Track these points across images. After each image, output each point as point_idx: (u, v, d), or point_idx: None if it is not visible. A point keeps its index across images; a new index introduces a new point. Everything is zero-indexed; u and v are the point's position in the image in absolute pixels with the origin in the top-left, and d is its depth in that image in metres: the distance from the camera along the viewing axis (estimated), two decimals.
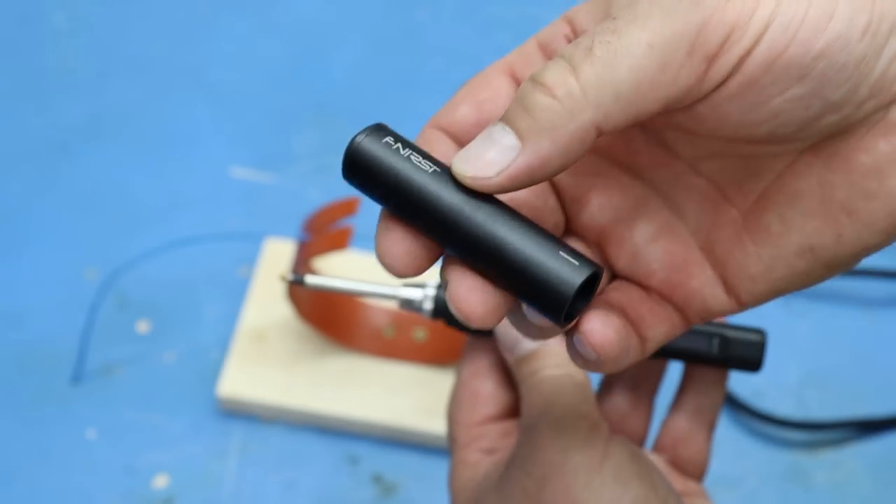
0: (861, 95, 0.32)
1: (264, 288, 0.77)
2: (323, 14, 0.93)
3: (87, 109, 0.87)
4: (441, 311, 0.51)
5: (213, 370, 0.75)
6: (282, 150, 0.85)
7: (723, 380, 0.51)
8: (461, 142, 0.38)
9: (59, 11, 0.92)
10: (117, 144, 0.86)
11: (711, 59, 0.32)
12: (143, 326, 0.77)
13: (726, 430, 0.74)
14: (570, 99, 0.32)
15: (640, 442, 0.52)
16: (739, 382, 0.75)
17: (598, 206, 0.38)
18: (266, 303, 0.76)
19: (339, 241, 0.66)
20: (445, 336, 0.74)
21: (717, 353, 0.49)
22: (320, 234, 0.68)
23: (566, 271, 0.34)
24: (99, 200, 0.83)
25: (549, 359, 0.47)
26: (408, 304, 0.52)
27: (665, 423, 0.52)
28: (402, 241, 0.36)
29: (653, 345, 0.38)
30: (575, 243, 0.39)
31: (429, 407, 0.73)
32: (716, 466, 0.72)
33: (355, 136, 0.38)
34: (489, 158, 0.34)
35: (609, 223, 0.38)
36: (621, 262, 0.39)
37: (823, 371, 0.76)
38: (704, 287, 0.38)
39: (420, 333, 0.75)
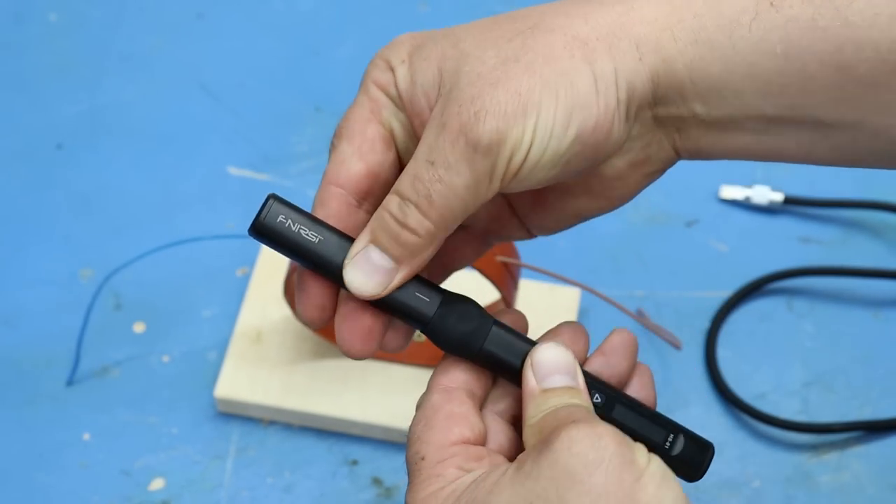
0: (599, 158, 0.49)
1: (262, 289, 0.76)
2: (321, 11, 0.93)
3: (83, 108, 0.87)
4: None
5: (211, 371, 0.75)
6: (280, 150, 0.85)
7: None
8: (356, 192, 0.50)
9: (55, 9, 0.92)
10: (113, 144, 0.85)
11: (500, 178, 0.47)
12: (139, 327, 0.77)
13: (730, 433, 0.73)
14: (429, 234, 0.48)
15: None
16: (742, 384, 0.75)
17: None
18: (264, 304, 0.76)
19: None
20: None
21: (670, 447, 0.52)
22: None
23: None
24: (95, 200, 0.82)
25: (582, 396, 0.50)
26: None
27: None
28: (315, 296, 0.50)
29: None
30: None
31: None
32: (720, 469, 0.72)
33: (257, 217, 0.49)
34: (377, 280, 0.48)
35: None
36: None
37: (827, 373, 0.76)
38: (514, 229, 0.54)
39: (420, 334, 0.74)
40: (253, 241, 0.79)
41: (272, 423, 0.74)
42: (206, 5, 0.92)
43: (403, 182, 0.48)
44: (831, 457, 0.73)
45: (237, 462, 0.73)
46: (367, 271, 0.48)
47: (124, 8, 0.92)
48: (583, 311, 0.77)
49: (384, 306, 0.49)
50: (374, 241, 0.48)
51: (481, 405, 0.53)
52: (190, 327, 0.77)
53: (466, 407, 0.51)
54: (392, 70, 0.52)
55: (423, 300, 0.50)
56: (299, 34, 0.91)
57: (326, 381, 0.73)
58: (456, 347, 0.50)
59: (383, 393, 0.73)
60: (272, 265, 0.77)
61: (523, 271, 0.69)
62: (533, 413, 0.49)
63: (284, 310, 0.73)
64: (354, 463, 0.73)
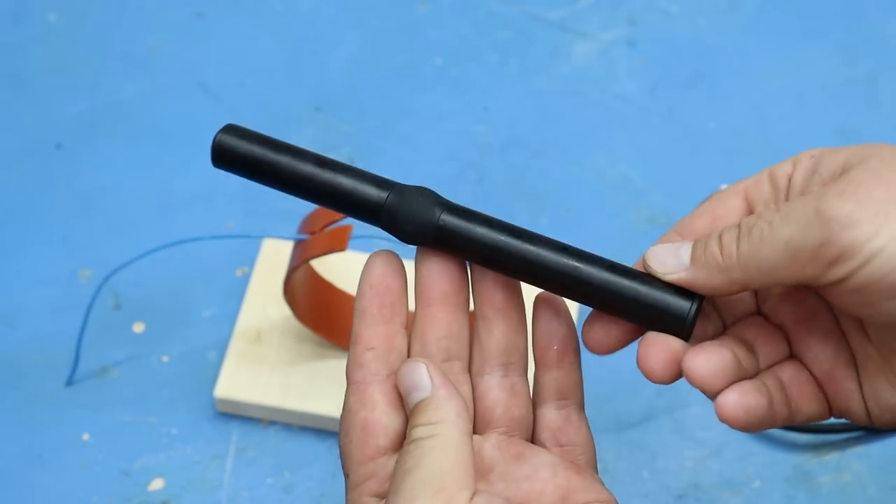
0: None
1: (262, 288, 0.76)
2: (322, 11, 0.92)
3: (83, 108, 0.87)
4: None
5: (210, 371, 0.75)
6: None
7: (574, 359, 0.53)
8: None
9: (54, 8, 0.91)
10: (113, 143, 0.85)
11: (828, 265, 0.45)
12: (139, 327, 0.77)
13: (730, 433, 0.73)
14: (729, 259, 0.48)
15: (582, 452, 0.53)
16: None
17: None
18: (264, 304, 0.76)
19: (338, 242, 0.65)
20: None
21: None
22: (319, 234, 0.67)
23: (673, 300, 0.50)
24: (94, 200, 0.82)
25: (443, 411, 0.49)
26: None
27: (537, 419, 0.53)
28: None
29: (801, 418, 0.51)
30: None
31: None
32: (720, 469, 0.72)
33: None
34: (668, 263, 0.49)
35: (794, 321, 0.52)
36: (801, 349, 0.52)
37: None
38: (851, 392, 0.50)
39: None
40: (252, 241, 0.79)
41: (272, 423, 0.74)
42: (205, 5, 0.92)
43: (748, 216, 0.49)
44: (832, 457, 0.73)
45: (237, 462, 0.72)
46: (666, 253, 0.50)
47: (124, 7, 0.92)
48: (583, 311, 0.77)
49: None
50: (694, 243, 0.50)
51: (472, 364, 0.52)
52: (189, 327, 0.77)
53: (381, 407, 0.50)
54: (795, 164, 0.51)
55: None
56: (299, 34, 0.91)
57: (326, 381, 0.73)
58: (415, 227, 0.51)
59: None
60: (272, 265, 0.77)
61: None
62: None
63: (284, 310, 0.73)
64: None
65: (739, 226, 0.48)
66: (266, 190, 0.83)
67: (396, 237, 0.51)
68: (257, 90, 0.88)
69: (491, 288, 0.52)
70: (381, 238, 0.66)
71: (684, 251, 0.49)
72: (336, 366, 0.74)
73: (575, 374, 0.54)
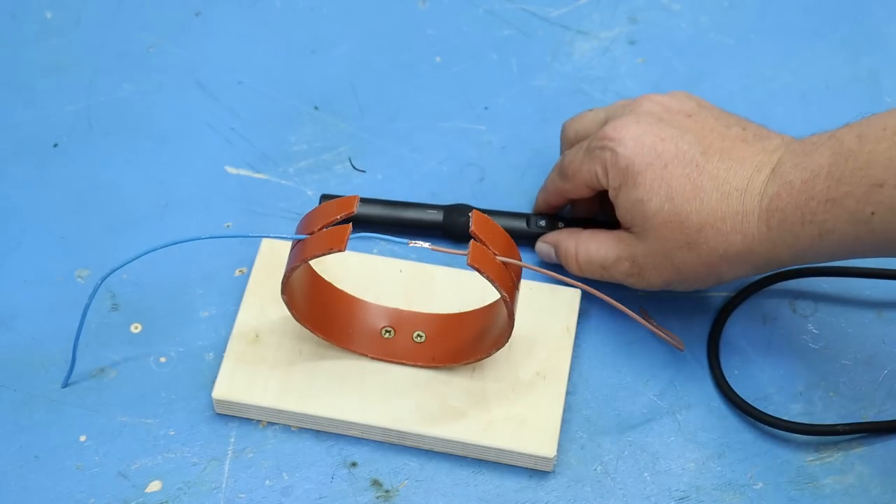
0: None
1: (260, 289, 0.76)
2: (320, 9, 0.92)
3: (80, 106, 0.86)
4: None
5: (208, 372, 0.75)
6: (278, 149, 0.85)
7: None
8: None
9: (50, 6, 0.91)
10: (110, 142, 0.85)
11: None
12: (136, 328, 0.77)
13: (733, 435, 0.73)
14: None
15: None
16: (745, 386, 0.74)
17: None
18: (262, 304, 0.75)
19: (336, 242, 0.65)
20: (445, 337, 0.74)
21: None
22: (317, 234, 0.67)
23: None
24: (91, 199, 0.82)
25: None
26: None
27: None
28: None
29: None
30: None
31: (428, 410, 0.72)
32: (722, 471, 0.72)
33: None
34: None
35: None
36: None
37: (831, 374, 0.76)
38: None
39: (420, 334, 0.74)
40: (251, 241, 0.79)
41: (270, 424, 0.73)
42: (203, 3, 0.92)
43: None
44: (835, 459, 0.73)
45: (235, 464, 0.72)
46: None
47: (121, 5, 0.92)
48: (583, 312, 0.77)
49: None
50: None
51: None
52: (187, 328, 0.77)
53: None
54: None
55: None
56: (298, 32, 0.91)
57: (325, 382, 0.73)
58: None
59: (383, 394, 0.73)
60: (270, 265, 0.76)
61: (523, 271, 0.68)
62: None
63: (283, 310, 0.72)
64: (353, 465, 0.72)
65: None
66: (265, 190, 0.83)
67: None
68: (256, 89, 0.88)
69: None
70: (381, 238, 0.66)
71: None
72: (335, 366, 0.73)
73: None
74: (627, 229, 0.71)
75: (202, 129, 0.86)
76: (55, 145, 0.85)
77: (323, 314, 0.74)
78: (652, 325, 0.72)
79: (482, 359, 0.72)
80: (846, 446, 0.73)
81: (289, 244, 0.71)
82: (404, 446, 0.73)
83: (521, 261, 0.67)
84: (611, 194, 0.71)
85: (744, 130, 0.70)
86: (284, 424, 0.73)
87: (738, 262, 0.68)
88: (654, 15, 0.92)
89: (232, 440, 0.73)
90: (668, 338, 0.74)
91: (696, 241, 0.68)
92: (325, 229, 0.66)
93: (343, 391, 0.73)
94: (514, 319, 0.68)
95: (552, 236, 0.77)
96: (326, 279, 0.74)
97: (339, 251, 0.64)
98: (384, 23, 0.91)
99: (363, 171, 0.84)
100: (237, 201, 0.82)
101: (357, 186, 0.83)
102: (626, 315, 0.70)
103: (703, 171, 0.68)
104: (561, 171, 0.75)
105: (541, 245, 0.78)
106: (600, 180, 0.71)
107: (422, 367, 0.73)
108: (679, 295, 0.76)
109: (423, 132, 0.86)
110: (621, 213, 0.71)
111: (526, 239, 0.79)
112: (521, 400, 0.72)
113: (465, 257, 0.64)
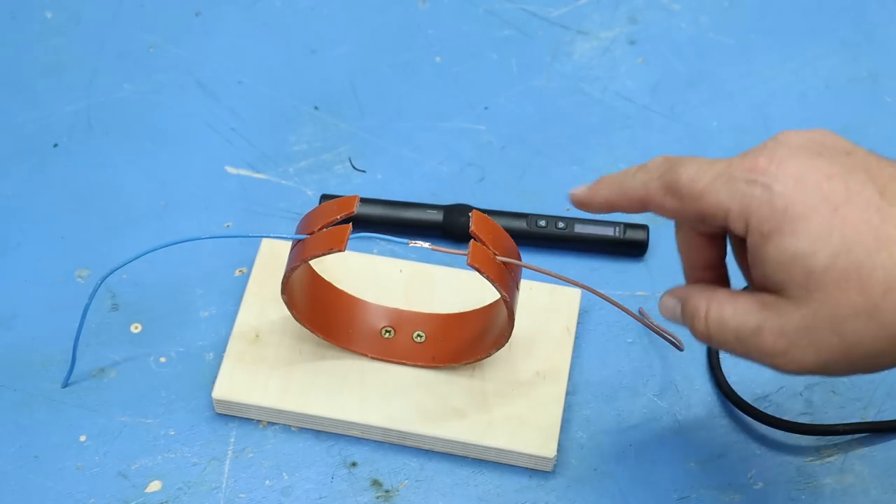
0: None
1: (260, 289, 0.76)
2: (320, 9, 0.92)
3: (80, 106, 0.86)
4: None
5: (208, 372, 0.75)
6: (278, 149, 0.85)
7: None
8: None
9: (50, 6, 0.91)
10: (110, 142, 0.85)
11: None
12: (136, 328, 0.77)
13: (733, 435, 0.73)
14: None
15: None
16: (745, 386, 0.74)
17: None
18: (262, 304, 0.75)
19: (336, 242, 0.65)
20: (445, 337, 0.74)
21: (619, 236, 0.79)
22: (317, 234, 0.66)
23: None
24: (91, 199, 0.82)
25: None
26: None
27: None
28: None
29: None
30: None
31: (428, 410, 0.72)
32: (722, 471, 0.72)
33: None
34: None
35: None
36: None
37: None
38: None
39: (420, 334, 0.74)
40: (251, 241, 0.79)
41: (270, 424, 0.73)
42: (203, 3, 0.92)
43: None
44: (835, 459, 0.73)
45: (235, 464, 0.72)
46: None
47: (121, 5, 0.92)
48: (583, 312, 0.77)
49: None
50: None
51: None
52: (187, 328, 0.77)
53: None
54: None
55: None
56: (298, 32, 0.91)
57: (325, 381, 0.73)
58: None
59: (383, 394, 0.73)
60: (270, 265, 0.76)
61: (523, 271, 0.68)
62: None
63: (283, 310, 0.72)
64: (353, 465, 0.72)
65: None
66: (264, 190, 0.83)
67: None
68: (255, 89, 0.88)
69: None
70: (381, 238, 0.66)
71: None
72: (335, 366, 0.73)
73: None
74: (776, 291, 0.56)
75: (202, 129, 0.86)
76: (55, 145, 0.85)
77: (323, 314, 0.73)
78: (652, 325, 0.72)
79: (482, 359, 0.72)
80: (846, 446, 0.73)
81: (289, 244, 0.71)
82: (404, 446, 0.73)
83: (521, 261, 0.67)
84: (752, 242, 0.56)
85: None
86: (284, 424, 0.73)
87: None
88: (654, 15, 0.92)
89: (232, 440, 0.73)
90: (668, 338, 0.74)
91: (879, 308, 0.53)
92: (324, 229, 0.66)
93: (343, 391, 0.73)
94: (514, 319, 0.68)
95: (681, 291, 0.61)
96: (326, 279, 0.74)
97: (339, 251, 0.64)
98: (384, 23, 0.91)
99: (363, 171, 0.84)
100: (237, 201, 0.82)
101: (357, 186, 0.83)
102: (626, 315, 0.70)
103: (888, 216, 0.53)
104: (669, 181, 0.58)
105: (666, 300, 0.62)
106: (731, 222, 0.56)
107: (422, 367, 0.73)
108: None
109: (423, 132, 0.86)
110: (770, 268, 0.55)
111: (526, 239, 0.79)
112: (521, 400, 0.72)
113: (465, 257, 0.64)
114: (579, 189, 0.62)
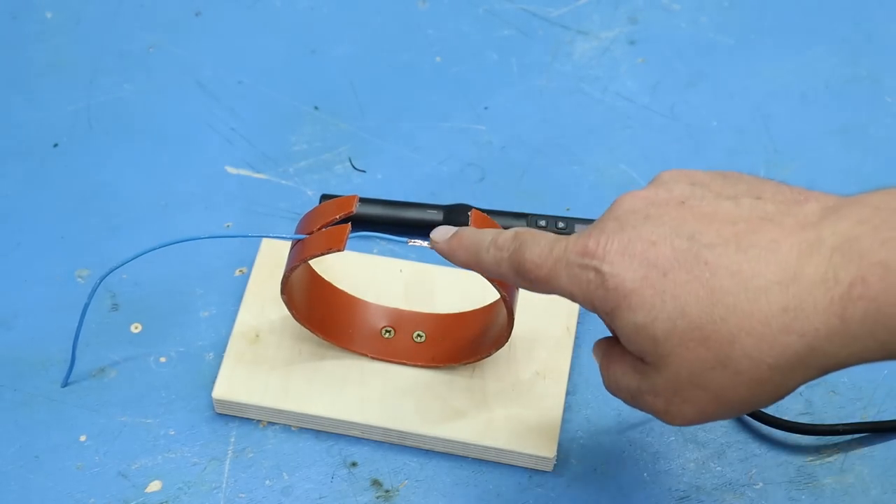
0: None
1: (260, 289, 0.76)
2: (320, 9, 0.92)
3: (80, 106, 0.86)
4: None
5: (208, 372, 0.74)
6: (278, 149, 0.85)
7: None
8: None
9: (51, 6, 0.91)
10: (110, 142, 0.85)
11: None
12: (136, 328, 0.77)
13: (732, 435, 0.73)
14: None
15: None
16: None
17: None
18: (262, 304, 0.75)
19: (336, 241, 0.65)
20: (445, 337, 0.74)
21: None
22: (317, 234, 0.66)
23: None
24: (91, 199, 0.82)
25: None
26: None
27: None
28: None
29: None
30: None
31: (428, 410, 0.72)
32: (722, 471, 0.72)
33: None
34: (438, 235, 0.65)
35: None
36: None
37: (831, 374, 0.75)
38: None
39: (420, 334, 0.74)
40: (251, 241, 0.79)
41: (270, 424, 0.73)
42: (203, 3, 0.92)
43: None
44: (835, 459, 0.73)
45: (235, 464, 0.72)
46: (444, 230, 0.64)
47: (121, 5, 0.92)
48: (583, 312, 0.77)
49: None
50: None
51: None
52: (187, 328, 0.76)
53: None
54: None
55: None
56: (298, 32, 0.91)
57: (325, 381, 0.73)
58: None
59: (383, 394, 0.72)
60: (270, 265, 0.76)
61: None
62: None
63: (283, 310, 0.72)
64: (353, 465, 0.72)
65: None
66: (265, 190, 0.83)
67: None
68: (256, 89, 0.88)
69: None
70: (381, 237, 0.66)
71: (452, 231, 0.63)
72: (335, 366, 0.73)
73: None
74: (640, 359, 0.57)
75: (202, 129, 0.86)
76: (55, 145, 0.85)
77: (323, 314, 0.73)
78: None
79: (482, 359, 0.72)
80: (846, 446, 0.73)
81: (289, 244, 0.71)
82: (404, 446, 0.73)
83: None
84: (605, 321, 0.58)
85: (758, 201, 0.55)
86: (284, 424, 0.73)
87: (798, 367, 0.54)
88: (654, 15, 0.92)
89: (232, 440, 0.73)
90: None
91: (730, 357, 0.54)
92: (324, 229, 0.66)
93: (343, 391, 0.73)
94: (513, 319, 0.68)
95: (597, 344, 0.63)
96: (326, 279, 0.74)
97: (339, 251, 0.64)
98: (384, 23, 0.91)
99: (363, 171, 0.84)
100: (237, 201, 0.82)
101: (357, 186, 0.83)
102: None
103: (717, 268, 0.53)
104: (517, 264, 0.60)
105: (594, 349, 0.63)
106: (580, 303, 0.58)
107: (422, 367, 0.73)
108: None
109: (423, 132, 0.86)
110: (625, 341, 0.57)
111: None
112: (521, 400, 0.72)
113: None
114: (440, 238, 0.64)
